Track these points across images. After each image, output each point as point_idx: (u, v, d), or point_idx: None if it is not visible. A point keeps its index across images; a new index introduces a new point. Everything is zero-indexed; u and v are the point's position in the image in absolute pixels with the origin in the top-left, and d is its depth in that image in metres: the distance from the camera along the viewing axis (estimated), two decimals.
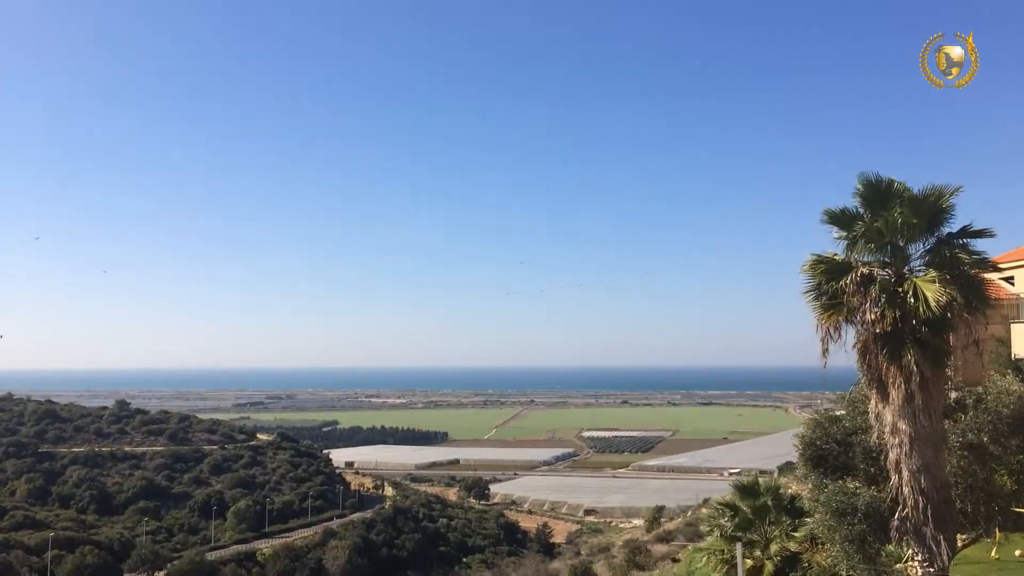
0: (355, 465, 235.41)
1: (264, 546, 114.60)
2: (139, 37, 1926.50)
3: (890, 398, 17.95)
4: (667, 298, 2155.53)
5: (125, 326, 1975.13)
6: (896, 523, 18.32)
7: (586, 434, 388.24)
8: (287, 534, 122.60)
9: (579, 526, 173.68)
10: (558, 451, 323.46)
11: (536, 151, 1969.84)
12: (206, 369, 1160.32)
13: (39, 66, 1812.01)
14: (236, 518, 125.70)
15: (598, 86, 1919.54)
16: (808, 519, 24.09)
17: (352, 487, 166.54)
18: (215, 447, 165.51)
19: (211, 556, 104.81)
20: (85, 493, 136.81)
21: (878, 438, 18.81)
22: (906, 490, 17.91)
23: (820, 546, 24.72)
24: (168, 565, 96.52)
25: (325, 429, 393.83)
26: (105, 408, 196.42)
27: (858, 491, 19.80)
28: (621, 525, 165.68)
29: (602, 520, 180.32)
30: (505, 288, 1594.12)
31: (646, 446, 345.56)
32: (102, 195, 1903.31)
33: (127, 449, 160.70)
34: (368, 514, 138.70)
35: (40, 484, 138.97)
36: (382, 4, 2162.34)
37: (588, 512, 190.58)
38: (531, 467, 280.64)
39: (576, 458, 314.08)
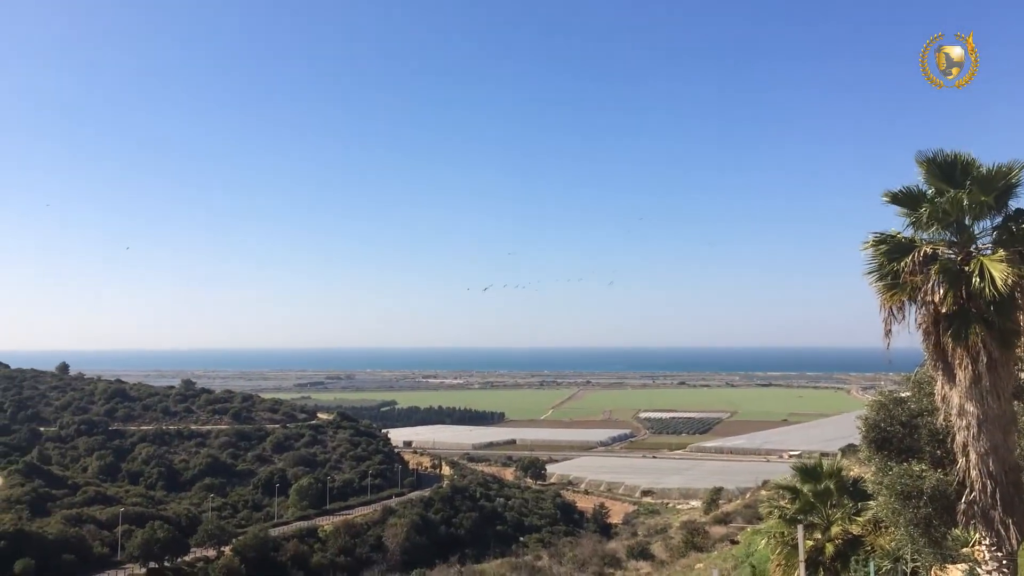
0: (413, 444, 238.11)
1: (325, 523, 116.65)
2: (161, 24, 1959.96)
3: (957, 379, 17.46)
4: (726, 277, 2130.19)
5: (191, 308, 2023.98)
6: (963, 507, 17.89)
7: (643, 415, 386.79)
8: (347, 511, 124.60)
9: (636, 507, 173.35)
10: (614, 432, 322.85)
11: (592, 128, 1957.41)
12: (269, 350, 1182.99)
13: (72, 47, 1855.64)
14: (298, 495, 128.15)
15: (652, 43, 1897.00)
16: (871, 502, 23.71)
17: (410, 466, 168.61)
18: (277, 426, 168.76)
19: (274, 532, 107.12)
20: (153, 470, 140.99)
21: (944, 420, 18.35)
22: (974, 473, 17.46)
23: (883, 529, 24.32)
24: (233, 540, 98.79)
25: (383, 409, 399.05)
26: (172, 387, 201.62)
27: (924, 474, 19.41)
28: (679, 506, 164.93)
29: (659, 501, 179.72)
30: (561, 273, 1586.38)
31: (704, 427, 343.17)
32: (171, 180, 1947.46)
33: (193, 427, 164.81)
34: (426, 493, 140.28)
35: (111, 461, 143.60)
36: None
37: (645, 493, 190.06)
38: (587, 448, 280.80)
39: (633, 439, 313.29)
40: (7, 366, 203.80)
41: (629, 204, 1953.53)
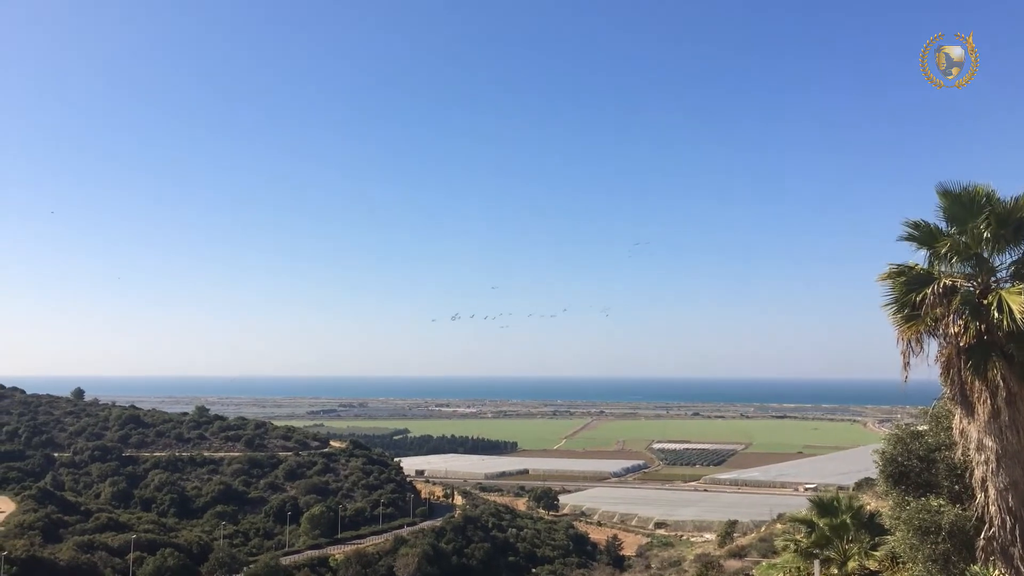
0: (425, 473, 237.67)
1: (337, 552, 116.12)
2: (169, 38, 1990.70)
3: (975, 414, 17.34)
4: (741, 309, 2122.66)
5: (207, 335, 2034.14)
6: (982, 543, 17.68)
7: (656, 446, 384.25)
8: (359, 540, 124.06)
9: (649, 539, 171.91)
10: (628, 463, 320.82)
11: (606, 152, 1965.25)
12: (285, 377, 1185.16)
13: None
14: (310, 524, 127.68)
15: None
16: (888, 537, 23.44)
17: (422, 495, 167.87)
18: (290, 454, 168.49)
19: (285, 561, 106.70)
20: (166, 496, 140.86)
21: (963, 455, 18.17)
22: (993, 509, 17.27)
23: (901, 565, 24.00)
24: (244, 569, 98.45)
25: (396, 437, 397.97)
26: (185, 414, 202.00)
27: (942, 509, 19.17)
28: (692, 539, 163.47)
29: (673, 533, 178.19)
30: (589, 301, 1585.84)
31: (718, 459, 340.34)
32: (191, 209, 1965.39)
33: (206, 454, 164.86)
34: (438, 522, 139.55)
35: (123, 487, 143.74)
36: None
37: (658, 525, 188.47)
38: (600, 478, 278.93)
39: (646, 470, 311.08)
40: (23, 391, 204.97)
41: (651, 235, 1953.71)
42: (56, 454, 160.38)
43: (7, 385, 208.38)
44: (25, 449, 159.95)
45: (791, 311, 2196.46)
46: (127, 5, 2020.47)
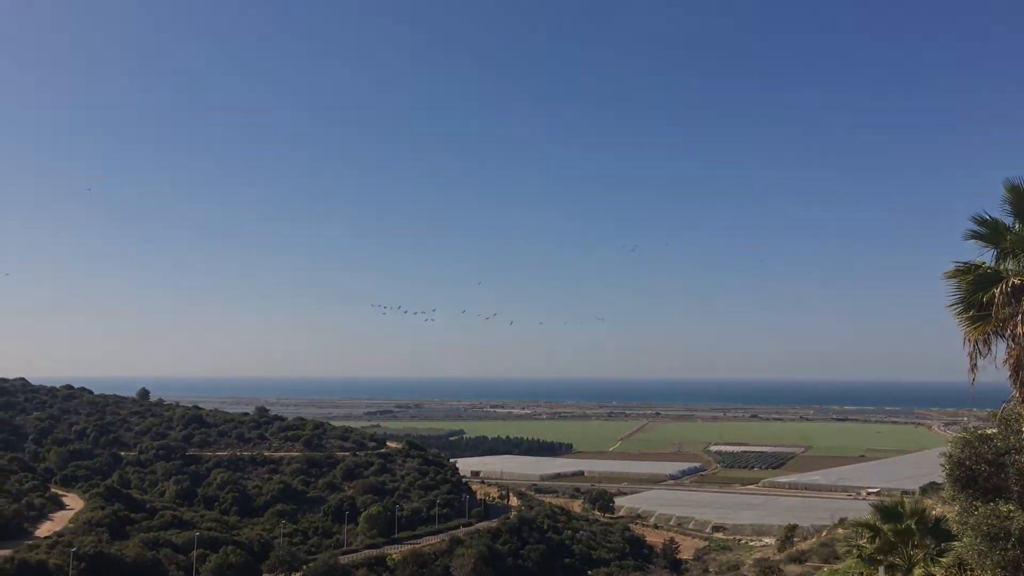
0: (481, 474, 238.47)
1: (393, 551, 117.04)
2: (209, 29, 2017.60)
3: None
4: (798, 310, 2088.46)
5: (265, 338, 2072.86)
6: None
7: (713, 448, 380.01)
8: (415, 540, 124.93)
9: (707, 543, 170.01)
10: (684, 465, 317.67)
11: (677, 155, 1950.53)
12: (339, 378, 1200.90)
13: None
14: (367, 523, 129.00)
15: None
16: (955, 543, 22.84)
17: (478, 496, 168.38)
18: (347, 454, 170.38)
19: (344, 559, 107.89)
20: (228, 495, 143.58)
21: None
22: None
23: (968, 571, 23.39)
24: (304, 567, 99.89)
25: (451, 438, 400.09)
26: (246, 414, 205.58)
27: (1012, 514, 18.62)
28: (751, 543, 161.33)
29: (731, 537, 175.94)
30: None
31: (777, 462, 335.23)
32: (245, 209, 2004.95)
33: (266, 454, 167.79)
34: (494, 523, 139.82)
35: (187, 485, 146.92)
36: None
37: (716, 528, 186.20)
38: (656, 481, 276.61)
39: (703, 473, 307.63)
40: (91, 392, 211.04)
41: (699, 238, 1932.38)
42: (122, 453, 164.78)
43: (76, 386, 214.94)
44: (93, 448, 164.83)
45: (850, 312, 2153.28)
46: None
